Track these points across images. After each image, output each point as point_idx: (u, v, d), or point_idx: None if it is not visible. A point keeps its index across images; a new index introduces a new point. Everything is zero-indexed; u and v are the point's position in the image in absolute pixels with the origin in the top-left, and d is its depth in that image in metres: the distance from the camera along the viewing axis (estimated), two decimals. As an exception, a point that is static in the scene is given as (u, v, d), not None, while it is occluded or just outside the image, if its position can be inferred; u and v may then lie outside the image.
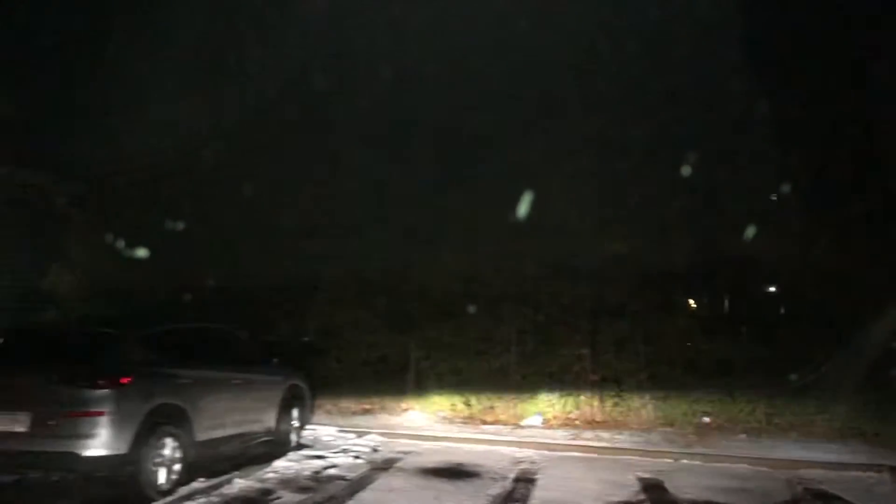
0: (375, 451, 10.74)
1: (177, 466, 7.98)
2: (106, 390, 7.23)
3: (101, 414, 7.16)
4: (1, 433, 7.18)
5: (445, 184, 14.21)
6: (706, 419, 12.27)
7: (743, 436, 11.89)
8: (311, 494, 8.13)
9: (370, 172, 14.04)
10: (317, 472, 9.19)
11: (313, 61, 15.08)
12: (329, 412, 13.33)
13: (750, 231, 13.49)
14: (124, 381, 7.38)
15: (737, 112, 14.51)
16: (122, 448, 7.27)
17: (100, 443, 7.17)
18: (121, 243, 14.82)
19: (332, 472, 9.26)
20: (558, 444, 11.35)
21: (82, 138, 15.59)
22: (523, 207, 13.67)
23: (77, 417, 7.13)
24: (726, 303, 16.38)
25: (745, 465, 10.25)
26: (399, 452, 10.66)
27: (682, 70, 14.27)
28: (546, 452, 10.91)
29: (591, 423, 12.54)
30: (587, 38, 14.25)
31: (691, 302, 16.22)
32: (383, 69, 14.77)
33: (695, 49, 14.19)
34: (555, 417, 12.77)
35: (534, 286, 13.82)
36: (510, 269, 13.87)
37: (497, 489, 8.63)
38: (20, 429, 7.17)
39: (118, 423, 7.25)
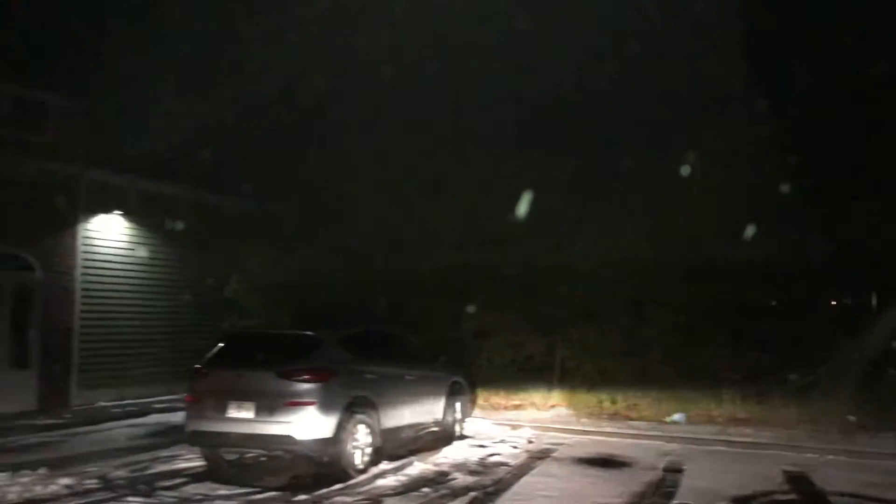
0: (530, 442, 11.79)
1: (368, 450, 9.35)
2: (315, 384, 8.66)
3: (311, 404, 8.60)
4: (233, 419, 8.75)
5: (594, 189, 14.93)
6: (852, 418, 12.48)
7: (890, 434, 12.03)
8: (481, 477, 9.27)
9: (522, 180, 14.91)
10: (482, 459, 10.34)
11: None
12: (482, 407, 14.51)
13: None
14: (329, 376, 8.80)
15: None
16: (327, 432, 8.69)
17: (310, 427, 8.61)
18: (291, 255, 16.65)
19: (495, 458, 10.39)
20: (703, 439, 12.01)
21: (259, 163, 17.66)
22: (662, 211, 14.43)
23: (292, 406, 8.60)
24: (874, 301, 16.35)
25: (894, 462, 10.54)
26: (552, 444, 11.66)
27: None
28: (691, 446, 11.60)
29: (734, 421, 13.03)
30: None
31: (833, 301, 16.32)
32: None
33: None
34: (698, 414, 13.35)
35: (675, 288, 14.45)
36: (652, 271, 14.55)
37: (649, 477, 9.47)
38: (247, 415, 8.72)
39: (324, 411, 8.67)
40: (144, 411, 14.37)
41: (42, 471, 8.98)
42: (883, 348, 13.69)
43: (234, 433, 8.78)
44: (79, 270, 15.27)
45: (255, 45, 17.87)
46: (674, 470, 9.93)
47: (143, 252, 16.56)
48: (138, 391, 16.17)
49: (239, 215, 18.22)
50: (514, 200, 15.74)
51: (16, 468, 8.98)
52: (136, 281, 16.43)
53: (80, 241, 15.30)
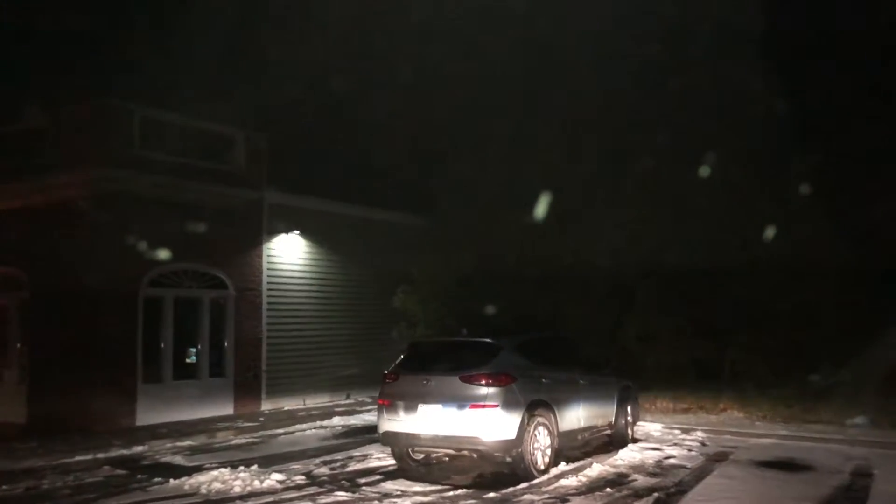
0: (704, 445, 11.77)
1: (548, 451, 9.75)
2: (497, 388, 9.18)
3: (494, 406, 9.11)
4: (422, 421, 9.44)
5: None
6: None
7: None
8: (661, 479, 9.44)
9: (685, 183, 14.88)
10: (659, 462, 10.48)
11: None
12: (649, 411, 14.52)
13: None
14: (510, 380, 9.29)
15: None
16: (511, 434, 9.17)
17: (495, 429, 9.12)
18: (454, 264, 17.39)
19: (672, 461, 10.50)
20: (891, 443, 11.52)
21: (422, 176, 18.57)
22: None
23: (477, 409, 9.15)
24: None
25: None
26: (727, 447, 11.58)
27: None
28: (879, 451, 11.17)
29: (925, 425, 12.42)
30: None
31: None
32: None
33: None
34: (882, 418, 12.80)
35: (848, 289, 13.96)
36: (820, 274, 14.12)
37: (836, 481, 9.28)
38: (435, 418, 9.36)
39: (507, 413, 9.16)
40: (327, 414, 15.45)
41: (255, 467, 9.99)
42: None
43: (424, 434, 9.43)
44: (264, 286, 16.67)
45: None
46: (862, 474, 9.66)
47: (318, 267, 17.84)
48: (318, 397, 17.43)
49: (405, 228, 19.22)
50: (679, 202, 15.69)
51: (233, 465, 10.06)
52: (313, 294, 17.72)
53: (264, 259, 16.71)
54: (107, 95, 14.76)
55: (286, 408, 16.59)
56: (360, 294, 18.67)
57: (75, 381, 13.89)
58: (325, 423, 14.62)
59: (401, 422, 9.62)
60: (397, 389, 9.80)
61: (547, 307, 16.00)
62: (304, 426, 14.26)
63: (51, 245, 14.59)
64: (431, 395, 9.43)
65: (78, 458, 11.17)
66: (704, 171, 14.83)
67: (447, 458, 10.47)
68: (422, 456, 10.31)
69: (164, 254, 14.75)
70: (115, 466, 10.55)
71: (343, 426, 14.28)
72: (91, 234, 14.07)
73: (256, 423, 14.46)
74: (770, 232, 14.38)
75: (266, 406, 16.42)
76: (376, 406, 10.19)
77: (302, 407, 16.75)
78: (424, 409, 9.44)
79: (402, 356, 10.38)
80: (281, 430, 13.79)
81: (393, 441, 9.89)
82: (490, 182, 17.29)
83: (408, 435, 9.59)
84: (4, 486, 9.42)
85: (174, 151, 15.19)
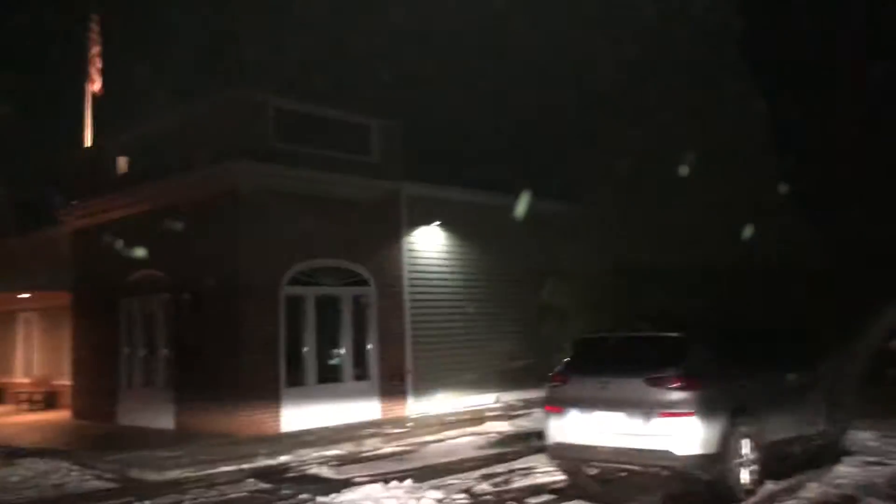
0: (939, 458, 9.65)
1: (753, 467, 8.06)
2: (692, 392, 7.59)
3: (690, 414, 7.54)
4: (600, 431, 8.00)
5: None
6: None
7: None
8: (905, 504, 7.57)
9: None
10: (891, 480, 8.54)
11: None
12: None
13: None
14: (706, 383, 7.69)
15: None
16: (711, 447, 7.57)
17: (692, 442, 7.54)
18: (608, 253, 15.79)
19: (909, 480, 8.54)
20: None
21: (565, 162, 17.11)
22: None
23: (668, 417, 7.60)
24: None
25: None
26: (973, 461, 9.42)
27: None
28: None
29: None
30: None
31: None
32: None
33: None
34: None
35: None
36: None
37: None
38: (616, 428, 7.89)
39: (706, 423, 7.56)
40: (478, 419, 14.28)
41: (409, 482, 8.91)
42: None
43: (603, 447, 8.00)
44: (406, 282, 15.72)
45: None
46: None
47: (460, 260, 16.73)
48: (466, 399, 16.29)
49: (550, 217, 17.74)
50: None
51: (384, 479, 9.02)
52: (456, 289, 16.63)
53: (405, 253, 15.77)
54: (239, 88, 14.22)
55: (433, 412, 15.55)
56: (505, 288, 17.41)
57: (219, 385, 13.43)
58: (478, 429, 13.45)
59: (574, 432, 8.22)
60: (568, 394, 8.41)
61: (721, 300, 14.11)
62: (455, 433, 13.15)
63: (190, 245, 14.24)
64: (611, 401, 7.98)
65: (222, 468, 10.51)
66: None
67: (625, 474, 8.97)
68: (596, 470, 8.87)
69: (302, 250, 14.08)
70: (260, 479, 9.76)
71: (498, 433, 13.05)
72: (229, 232, 13.56)
73: (404, 430, 13.47)
74: None
75: (412, 410, 15.45)
76: (543, 412, 8.89)
77: (450, 411, 15.67)
78: (602, 418, 8.01)
79: (570, 355, 8.97)
80: (431, 438, 12.73)
81: (564, 454, 8.49)
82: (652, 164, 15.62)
83: (583, 447, 8.18)
84: (147, 502, 8.80)
85: (309, 143, 14.50)
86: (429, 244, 16.24)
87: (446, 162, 16.63)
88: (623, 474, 8.97)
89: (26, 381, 20.30)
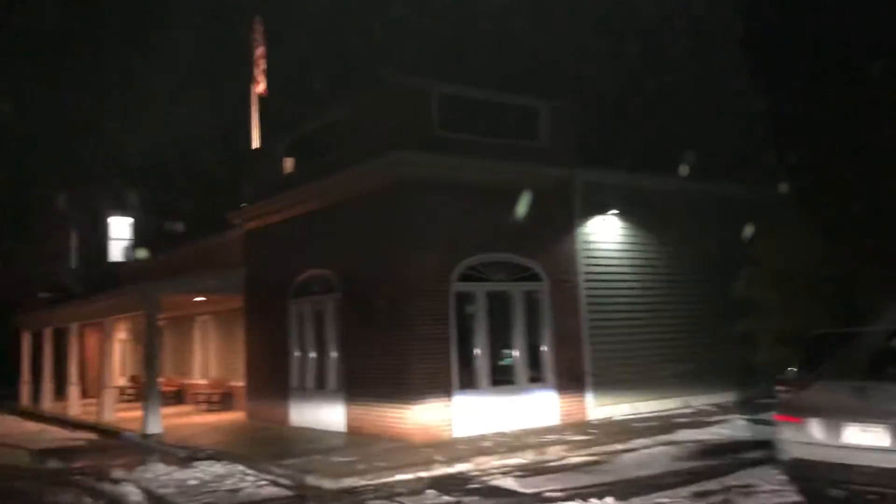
0: None
1: None
2: None
3: None
4: (856, 446, 6.48)
5: None
6: None
7: None
8: None
9: None
10: None
11: None
12: None
13: None
14: None
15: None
16: None
17: None
18: (817, 241, 13.82)
19: None
20: None
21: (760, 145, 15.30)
22: None
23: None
24: None
25: None
26: None
27: None
28: None
29: None
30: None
31: None
32: None
33: None
34: None
35: None
36: None
37: None
38: (879, 442, 6.36)
39: None
40: (669, 426, 12.84)
41: (609, 500, 7.77)
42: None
43: (862, 466, 6.48)
44: (581, 276, 14.52)
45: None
46: None
47: (640, 252, 15.33)
48: (651, 404, 14.85)
49: (743, 202, 15.89)
50: None
51: (581, 496, 7.91)
52: (636, 283, 15.23)
53: (578, 245, 14.58)
54: (401, 76, 13.58)
55: (615, 417, 14.24)
56: (691, 281, 15.79)
57: (389, 387, 12.83)
58: (670, 437, 12.03)
59: (821, 448, 6.75)
60: (809, 401, 6.98)
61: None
62: (645, 441, 11.80)
63: (357, 242, 13.78)
64: (870, 412, 6.46)
65: (399, 476, 9.79)
66: None
67: (877, 497, 7.33)
68: (844, 493, 7.30)
69: (471, 244, 13.24)
70: (441, 490, 8.91)
71: (694, 442, 11.59)
72: (395, 226, 12.94)
73: (588, 437, 12.26)
74: None
75: (592, 414, 14.20)
76: (772, 421, 7.48)
77: (634, 416, 14.30)
78: (858, 430, 6.50)
79: (805, 355, 7.47)
80: (620, 446, 11.46)
81: (809, 473, 7.00)
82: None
83: (835, 466, 6.68)
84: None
85: (475, 130, 13.66)
86: (605, 235, 14.95)
87: (622, 145, 15.27)
88: (873, 497, 7.36)
89: (204, 382, 20.83)
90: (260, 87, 17.89)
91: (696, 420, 13.41)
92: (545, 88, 14.97)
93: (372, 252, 13.36)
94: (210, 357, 21.10)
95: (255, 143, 17.95)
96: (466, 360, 13.17)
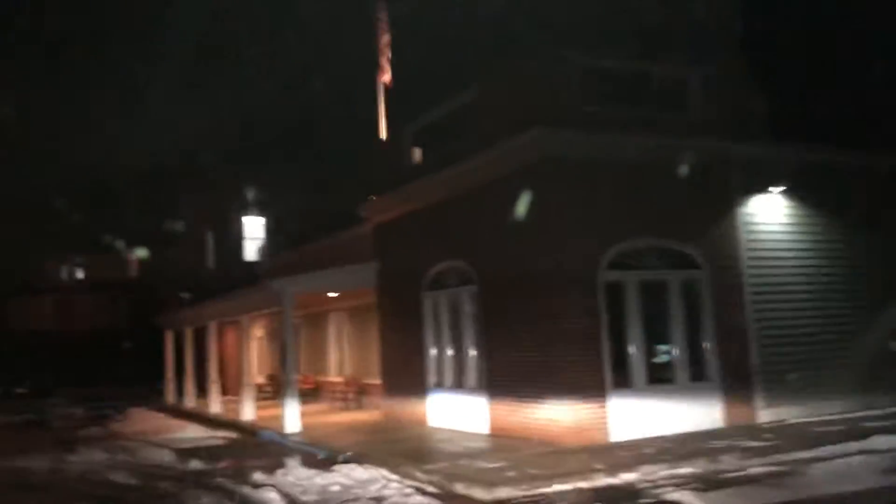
0: None
1: None
2: None
3: None
4: None
5: None
6: None
7: None
8: None
9: None
10: None
11: None
12: None
13: None
14: None
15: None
16: None
17: None
18: None
19: None
20: None
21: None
22: None
23: None
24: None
25: None
26: None
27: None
28: None
29: None
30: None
31: None
32: None
33: None
34: None
35: None
36: None
37: None
38: None
39: None
40: (859, 431, 11.19)
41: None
42: None
43: None
44: (744, 263, 13.04)
45: None
46: None
47: (811, 235, 13.66)
48: (828, 405, 13.15)
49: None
50: None
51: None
52: (807, 271, 13.57)
53: (740, 228, 13.10)
54: (537, 48, 12.56)
55: (788, 420, 12.67)
56: (873, 268, 13.94)
57: (536, 386, 11.90)
58: (865, 444, 10.41)
59: None
60: None
61: None
62: (834, 448, 10.26)
63: (493, 230, 12.92)
64: None
65: (556, 486, 8.82)
66: None
67: None
68: None
69: (620, 229, 12.09)
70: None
71: (897, 450, 9.97)
72: (535, 211, 11.95)
73: (764, 443, 10.83)
74: None
75: (761, 417, 12.69)
76: None
77: (811, 419, 12.66)
78: None
79: None
80: (806, 454, 10.01)
81: None
82: None
83: None
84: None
85: (621, 103, 12.48)
86: (770, 216, 13.39)
87: (788, 116, 13.63)
88: None
89: (339, 380, 20.60)
90: (385, 76, 17.32)
91: (893, 424, 11.67)
92: (696, 55, 13.49)
93: (512, 240, 12.45)
94: (345, 354, 20.85)
95: (382, 133, 17.40)
96: (620, 357, 12.01)
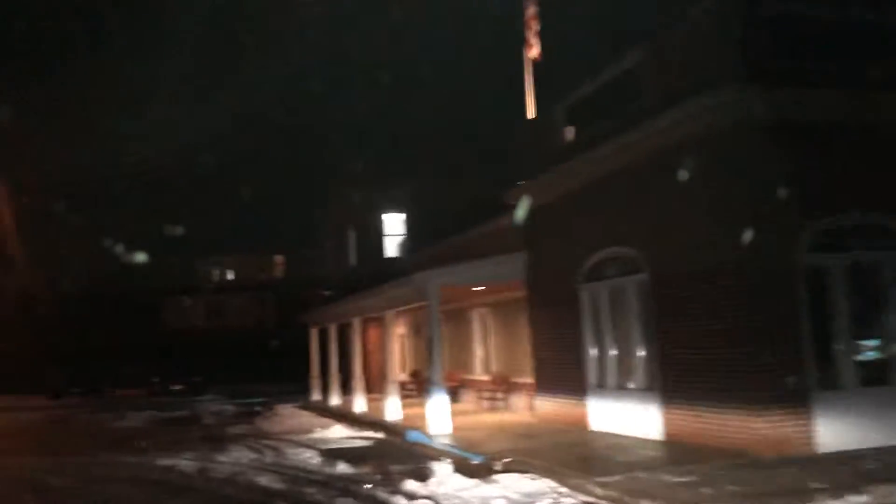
0: None
1: None
2: None
3: None
4: None
5: None
6: None
7: None
8: None
9: None
10: None
11: None
12: None
13: None
14: None
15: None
16: None
17: None
18: None
19: None
20: None
21: None
22: None
23: None
24: None
25: None
26: None
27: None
28: None
29: None
30: None
31: None
32: None
33: None
34: None
35: None
36: None
37: None
38: None
39: None
40: None
41: None
42: None
43: None
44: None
45: None
46: None
47: None
48: None
49: None
50: None
51: None
52: None
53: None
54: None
55: None
56: None
57: (721, 387, 10.26)
58: None
59: None
60: None
61: None
62: None
63: (663, 210, 11.37)
64: None
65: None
66: None
67: None
68: None
69: (823, 203, 10.25)
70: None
71: None
72: (728, 183, 10.28)
73: None
74: None
75: None
76: None
77: None
78: None
79: None
80: None
81: None
82: None
83: None
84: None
85: (819, 55, 10.59)
86: None
87: None
88: None
89: (485, 378, 19.54)
90: (533, 51, 16.05)
91: None
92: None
93: (692, 220, 10.85)
94: (490, 351, 19.75)
95: (530, 113, 16.15)
96: (824, 355, 10.16)
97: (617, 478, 8.81)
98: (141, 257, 38.87)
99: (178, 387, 36.41)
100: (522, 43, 16.22)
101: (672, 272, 11.26)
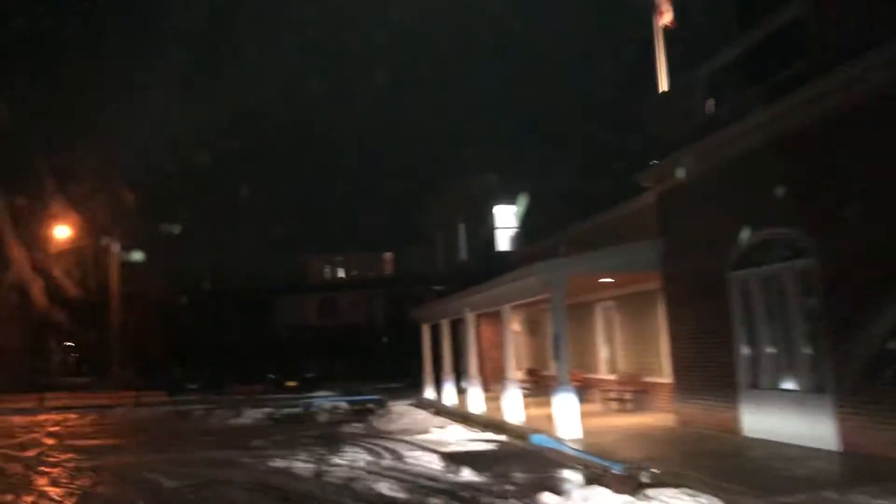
0: None
1: None
2: None
3: None
4: None
5: None
6: None
7: None
8: None
9: None
10: None
11: None
12: None
13: None
14: None
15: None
16: None
17: None
18: None
19: None
20: None
21: None
22: None
23: None
24: None
25: None
26: None
27: None
28: None
29: None
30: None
31: None
32: None
33: None
34: None
35: None
36: None
37: None
38: None
39: None
40: None
41: None
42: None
43: None
44: None
45: None
46: None
47: None
48: None
49: None
50: None
51: None
52: None
53: None
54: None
55: None
56: None
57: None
58: None
59: None
60: None
61: None
62: None
63: (846, 178, 9.72)
64: None
65: None
66: None
67: None
68: None
69: None
70: None
71: None
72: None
73: None
74: None
75: None
76: None
77: None
78: None
79: None
80: None
81: None
82: None
83: None
84: None
85: None
86: None
87: None
88: None
89: (611, 378, 18.11)
90: (665, 17, 14.53)
91: None
92: None
93: (878, 190, 9.20)
94: (617, 349, 18.30)
95: (662, 86, 14.64)
96: None
97: (801, 497, 7.36)
98: (255, 258, 39.50)
99: (291, 383, 36.56)
100: (652, 10, 14.73)
101: (852, 255, 9.61)
